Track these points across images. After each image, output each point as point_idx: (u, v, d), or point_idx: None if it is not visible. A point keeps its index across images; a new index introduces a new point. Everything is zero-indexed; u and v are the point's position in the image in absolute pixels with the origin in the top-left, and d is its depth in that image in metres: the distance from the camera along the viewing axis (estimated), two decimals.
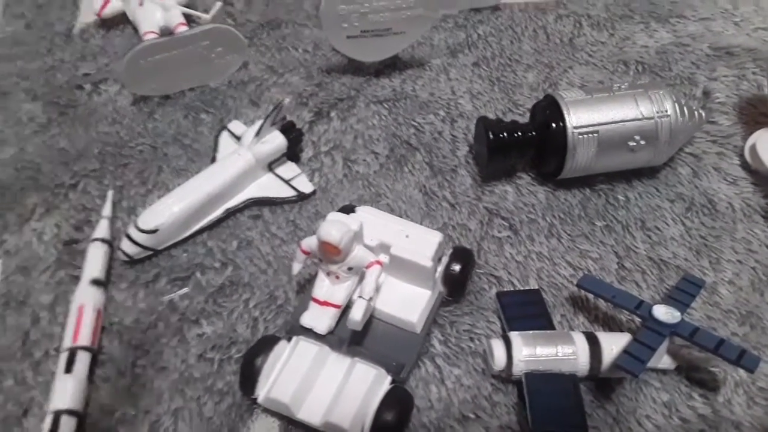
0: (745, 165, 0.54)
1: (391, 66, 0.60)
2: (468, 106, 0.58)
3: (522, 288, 0.48)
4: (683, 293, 0.44)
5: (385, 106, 0.57)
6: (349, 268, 0.42)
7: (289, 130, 0.53)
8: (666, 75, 0.59)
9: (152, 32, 0.58)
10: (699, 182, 0.53)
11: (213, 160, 0.53)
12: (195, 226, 0.49)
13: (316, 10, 0.65)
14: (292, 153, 0.54)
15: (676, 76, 0.59)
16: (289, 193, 0.52)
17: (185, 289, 0.46)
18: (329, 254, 0.41)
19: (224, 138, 0.54)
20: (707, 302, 0.47)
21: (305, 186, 0.52)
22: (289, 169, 0.53)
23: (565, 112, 0.49)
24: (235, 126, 0.54)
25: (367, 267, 0.42)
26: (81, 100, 0.57)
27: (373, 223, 0.44)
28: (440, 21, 0.64)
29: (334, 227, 0.40)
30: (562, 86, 0.59)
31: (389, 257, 0.43)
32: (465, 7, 0.64)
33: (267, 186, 0.52)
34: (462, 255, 0.46)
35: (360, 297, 0.40)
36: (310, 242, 0.43)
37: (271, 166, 0.53)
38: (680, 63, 0.60)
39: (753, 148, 0.53)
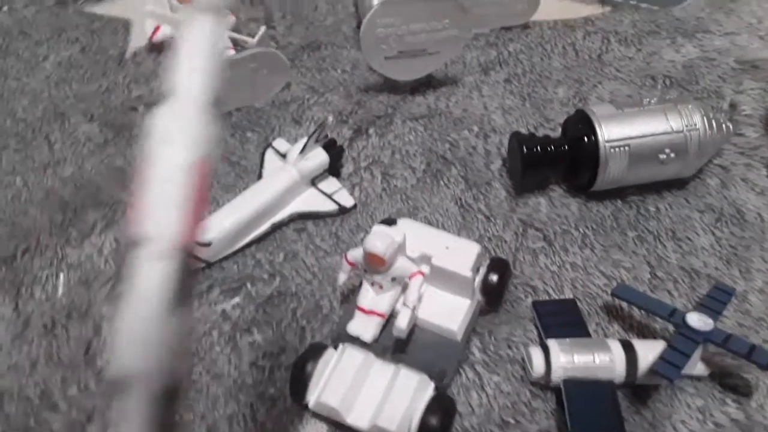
0: None
1: (426, 84, 0.62)
2: (500, 122, 0.60)
3: (557, 297, 0.50)
4: (715, 301, 0.46)
5: (421, 122, 0.60)
6: (393, 279, 0.44)
7: (330, 147, 0.56)
8: (693, 89, 0.61)
9: None
10: (728, 193, 0.55)
11: (259, 176, 0.55)
12: (244, 239, 0.52)
13: (353, 32, 0.68)
14: (334, 168, 0.56)
15: (703, 89, 0.61)
16: (331, 207, 0.55)
17: (237, 300, 0.49)
18: (374, 265, 0.43)
19: (269, 155, 0.57)
20: (738, 310, 0.48)
21: (346, 200, 0.55)
22: (330, 184, 0.56)
23: (597, 126, 0.51)
24: (279, 144, 0.57)
25: (410, 277, 0.44)
26: (135, 121, 0.61)
27: (414, 235, 0.46)
28: (472, 40, 0.66)
29: (379, 239, 0.42)
30: (592, 101, 0.61)
31: (430, 267, 0.45)
32: (496, 26, 0.66)
33: (310, 200, 0.55)
34: (499, 266, 0.48)
35: (404, 306, 0.43)
36: (355, 254, 0.45)
37: (314, 182, 0.55)
38: (707, 77, 0.62)
39: None
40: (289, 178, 0.53)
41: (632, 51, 0.64)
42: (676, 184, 0.55)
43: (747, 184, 0.55)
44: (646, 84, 0.62)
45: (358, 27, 0.68)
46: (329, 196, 0.55)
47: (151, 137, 0.26)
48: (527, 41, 0.66)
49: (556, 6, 0.69)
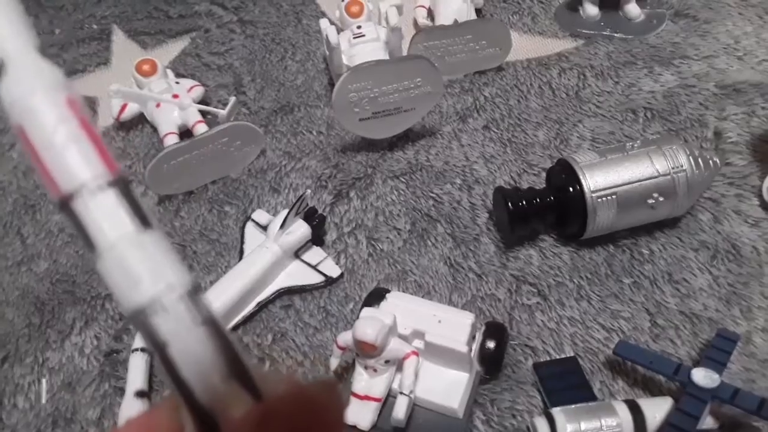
0: (764, 204, 0.54)
1: (404, 138, 0.61)
2: (483, 171, 0.59)
3: (558, 356, 0.48)
4: (719, 351, 0.44)
5: (402, 180, 0.58)
6: (386, 361, 0.43)
7: (311, 216, 0.55)
8: (675, 119, 0.60)
9: (172, 133, 0.60)
10: (721, 227, 0.53)
11: (241, 253, 0.54)
12: (230, 323, 0.50)
13: (326, 89, 0.67)
14: (317, 237, 0.55)
15: (685, 119, 0.60)
16: (317, 278, 0.53)
17: None
18: (366, 351, 0.42)
19: (249, 229, 0.55)
20: (743, 353, 0.47)
21: (332, 270, 0.54)
22: (315, 254, 0.54)
23: (581, 177, 0.50)
24: (259, 215, 0.56)
25: (404, 359, 0.42)
26: None
27: (405, 310, 0.45)
28: (447, 87, 0.65)
29: (369, 325, 0.41)
30: (573, 141, 0.60)
31: (424, 344, 0.44)
32: (470, 71, 0.65)
33: (295, 274, 0.53)
34: (495, 331, 0.46)
35: (401, 393, 0.41)
36: (345, 338, 0.44)
37: (297, 254, 0.54)
38: (688, 105, 0.61)
39: None
40: (271, 255, 0.52)
41: (610, 84, 0.63)
42: (668, 222, 0.53)
43: (740, 216, 0.54)
44: (627, 119, 0.60)
45: (330, 84, 0.66)
46: (314, 268, 0.54)
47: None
48: (502, 84, 0.65)
49: (528, 44, 0.68)
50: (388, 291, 0.48)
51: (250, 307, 0.51)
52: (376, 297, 0.47)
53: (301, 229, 0.53)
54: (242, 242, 0.55)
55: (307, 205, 0.55)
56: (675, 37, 0.67)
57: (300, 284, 0.53)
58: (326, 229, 0.56)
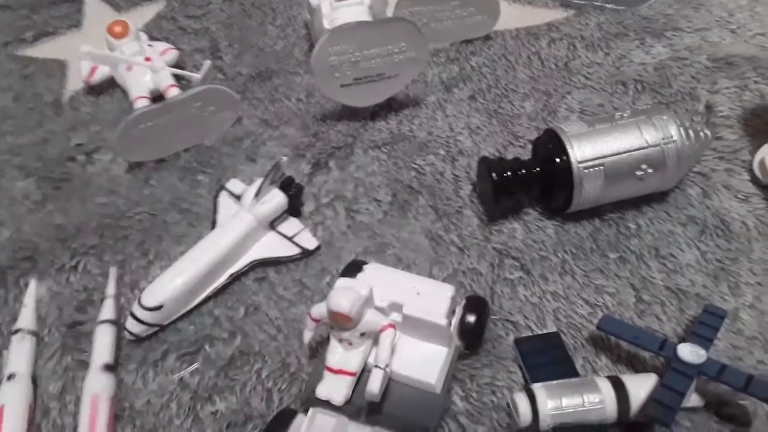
0: (755, 180, 0.53)
1: (387, 107, 0.59)
2: (468, 143, 0.57)
3: (540, 331, 0.47)
4: (706, 327, 0.43)
5: (384, 150, 0.56)
6: (362, 334, 0.41)
7: (288, 185, 0.52)
8: (666, 92, 0.58)
9: (143, 97, 0.57)
10: (710, 202, 0.52)
11: (213, 223, 0.52)
12: (200, 295, 0.48)
13: (306, 56, 0.64)
14: (293, 208, 0.53)
15: (676, 92, 0.58)
16: (293, 250, 0.51)
17: (195, 365, 0.45)
18: (341, 322, 0.40)
19: (223, 198, 0.53)
20: (730, 330, 0.45)
21: (309, 242, 0.51)
22: (291, 225, 0.52)
23: (568, 147, 0.48)
24: (234, 185, 0.54)
25: (380, 331, 0.41)
26: (75, 172, 0.56)
27: (383, 282, 0.43)
28: (433, 55, 0.63)
29: (343, 296, 0.39)
30: (561, 113, 0.58)
31: (402, 316, 0.42)
32: (457, 39, 0.63)
33: (270, 245, 0.51)
34: (476, 305, 0.44)
35: (376, 366, 0.39)
36: (320, 310, 0.42)
37: (272, 225, 0.52)
38: (680, 78, 0.59)
39: (762, 163, 0.52)
40: (245, 225, 0.49)
41: (600, 56, 0.61)
42: (656, 196, 0.52)
43: (730, 191, 0.52)
44: (617, 91, 0.59)
45: (311, 50, 0.64)
46: (290, 239, 0.52)
47: None
48: (490, 54, 0.63)
49: (517, 13, 0.66)
50: (365, 263, 0.46)
51: (222, 278, 0.49)
52: (353, 269, 0.45)
53: (276, 199, 0.51)
54: (215, 212, 0.52)
55: (284, 174, 0.52)
56: (668, 9, 0.65)
57: (275, 256, 0.51)
58: (303, 200, 0.54)
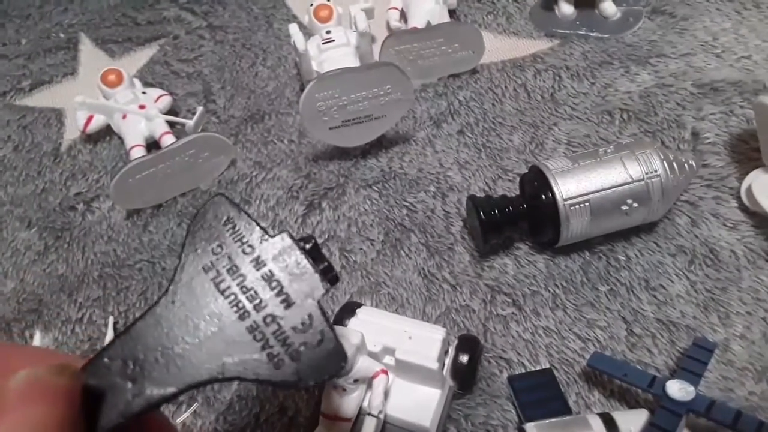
0: (743, 207, 0.53)
1: (377, 145, 0.60)
2: (457, 178, 0.58)
3: (533, 368, 0.47)
4: (695, 362, 0.43)
5: (375, 189, 0.57)
6: (355, 380, 0.42)
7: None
8: (652, 120, 0.59)
9: (138, 145, 0.58)
10: (699, 231, 0.52)
11: None
12: None
13: (297, 96, 0.65)
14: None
15: (662, 120, 0.59)
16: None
17: (195, 406, 0.46)
18: None
19: None
20: (721, 361, 0.46)
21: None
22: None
23: (553, 184, 0.48)
24: None
25: (373, 377, 0.41)
26: (75, 221, 0.58)
27: (375, 326, 0.44)
28: (421, 91, 0.64)
29: None
30: (549, 145, 0.58)
31: (395, 360, 0.43)
32: (444, 74, 0.64)
33: None
34: (468, 344, 0.45)
35: (369, 414, 0.40)
36: None
37: None
38: (665, 106, 0.60)
39: (749, 191, 0.52)
40: None
41: (585, 86, 0.62)
42: (645, 227, 0.52)
43: (718, 219, 0.53)
44: (603, 121, 0.59)
45: (302, 90, 0.65)
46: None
47: None
48: (477, 87, 0.63)
49: (503, 44, 0.67)
50: (359, 305, 0.47)
51: None
52: (347, 311, 0.46)
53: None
54: None
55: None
56: (652, 35, 0.66)
57: None
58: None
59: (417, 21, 0.66)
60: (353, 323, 0.45)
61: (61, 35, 0.74)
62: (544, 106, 0.62)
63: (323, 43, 0.61)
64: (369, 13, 0.64)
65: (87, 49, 0.72)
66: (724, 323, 0.48)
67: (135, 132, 0.59)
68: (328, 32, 0.62)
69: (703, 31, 0.65)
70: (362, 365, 0.42)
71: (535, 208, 0.50)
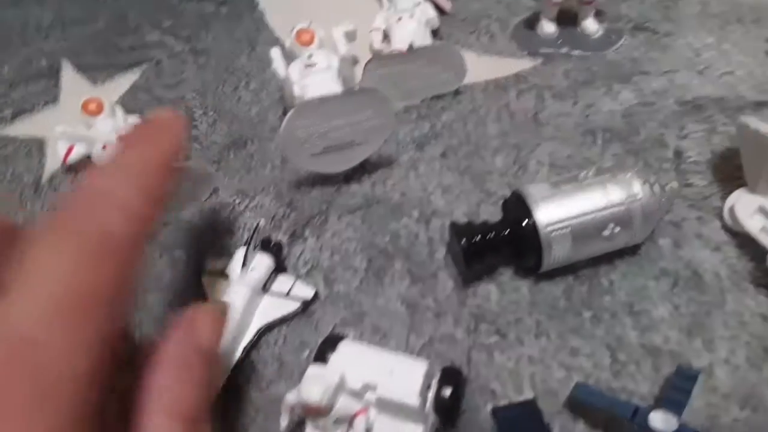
0: (726, 227, 0.53)
1: (360, 169, 0.59)
2: (440, 202, 0.57)
3: (517, 399, 0.47)
4: (679, 391, 0.43)
5: (358, 215, 0.57)
6: (336, 420, 0.41)
7: (267, 246, 0.53)
8: (635, 140, 0.59)
9: None
10: (682, 253, 0.52)
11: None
12: (224, 378, 0.48)
13: (280, 121, 0.65)
14: (279, 265, 0.53)
15: (645, 139, 0.59)
16: (292, 306, 0.52)
17: None
18: (312, 413, 0.40)
19: (207, 281, 0.53)
20: (706, 388, 0.45)
21: (305, 292, 0.52)
22: (282, 282, 0.53)
23: (534, 210, 0.48)
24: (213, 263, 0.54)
25: (354, 416, 0.41)
26: None
27: (356, 361, 0.43)
28: (404, 113, 0.63)
29: (314, 387, 0.40)
30: (532, 167, 0.58)
31: (376, 397, 0.43)
32: (426, 96, 0.64)
33: (270, 308, 0.52)
34: (451, 377, 0.45)
35: None
36: (292, 398, 0.42)
37: (265, 288, 0.52)
38: (648, 124, 0.60)
39: (732, 211, 0.52)
40: (242, 298, 0.50)
41: (568, 105, 0.62)
42: (628, 249, 0.52)
43: (701, 240, 0.53)
44: (586, 141, 0.59)
45: (285, 114, 0.65)
46: (287, 296, 0.52)
47: None
48: (460, 108, 0.63)
49: (486, 64, 0.67)
50: (341, 338, 0.46)
51: (238, 354, 0.49)
52: (329, 345, 0.46)
53: (264, 262, 0.52)
54: (206, 297, 0.53)
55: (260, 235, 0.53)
56: (634, 52, 0.65)
57: (278, 317, 0.51)
58: (285, 255, 0.55)
59: (400, 42, 0.65)
60: (334, 359, 0.44)
61: (43, 62, 0.73)
62: (527, 127, 0.61)
63: (305, 68, 0.61)
64: (351, 35, 0.64)
65: (69, 76, 0.72)
66: (708, 348, 0.47)
67: None
68: (309, 56, 0.62)
69: (685, 47, 0.65)
70: (342, 404, 0.41)
71: (517, 234, 0.50)
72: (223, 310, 0.40)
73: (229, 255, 0.55)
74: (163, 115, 0.40)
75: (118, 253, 0.32)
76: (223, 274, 0.53)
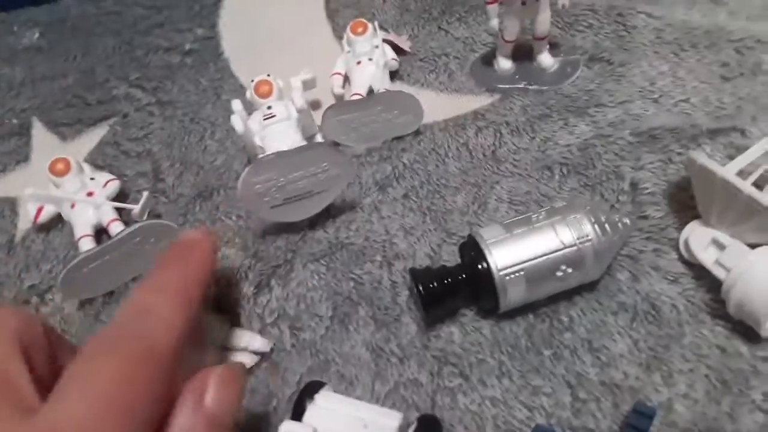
0: (683, 259, 0.54)
1: (325, 214, 0.60)
2: (403, 245, 0.58)
3: None
4: (636, 430, 0.44)
5: (323, 262, 0.58)
6: None
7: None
8: (591, 173, 0.59)
9: (86, 235, 0.59)
10: (640, 286, 0.53)
11: None
12: None
13: (245, 169, 0.66)
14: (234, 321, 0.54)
15: (601, 172, 0.59)
16: (251, 359, 0.53)
17: None
18: None
19: None
20: (665, 423, 0.46)
21: (262, 345, 0.53)
22: (238, 337, 0.54)
23: (487, 255, 0.49)
24: None
25: None
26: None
27: (331, 415, 0.44)
28: (366, 156, 0.64)
29: None
30: (491, 204, 0.59)
31: None
32: (388, 138, 0.65)
33: None
34: (428, 426, 0.45)
35: None
36: None
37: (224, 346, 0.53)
38: (604, 157, 0.60)
39: (687, 244, 0.53)
40: None
41: (526, 141, 0.63)
42: (587, 285, 0.53)
43: (659, 272, 0.53)
44: (543, 176, 0.60)
45: (250, 162, 0.66)
46: (244, 350, 0.53)
47: None
48: (420, 149, 0.64)
49: (445, 102, 0.68)
50: (322, 386, 0.46)
51: None
52: (309, 393, 0.45)
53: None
54: None
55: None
56: (590, 84, 0.66)
57: None
58: (239, 310, 0.56)
59: (359, 86, 0.67)
60: (310, 411, 0.45)
61: (14, 121, 0.75)
62: (486, 164, 0.62)
63: (264, 119, 0.62)
64: (310, 83, 0.66)
65: (39, 134, 0.73)
66: (666, 383, 0.48)
67: (83, 221, 0.60)
68: (269, 108, 0.63)
69: (640, 76, 0.66)
70: None
71: (473, 278, 0.51)
72: (238, 371, 0.43)
73: None
74: (193, 236, 0.47)
75: (159, 365, 0.37)
76: None
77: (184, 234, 0.47)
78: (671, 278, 0.53)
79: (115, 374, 0.35)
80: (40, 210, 0.62)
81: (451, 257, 0.57)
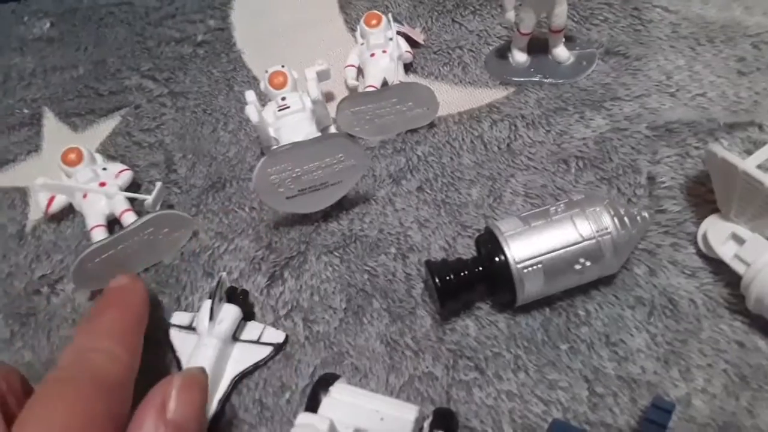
0: (701, 253, 0.53)
1: (338, 206, 0.60)
2: (417, 237, 0.58)
3: None
4: (654, 425, 0.43)
5: (336, 254, 0.57)
6: None
7: (233, 295, 0.54)
8: (607, 167, 0.59)
9: (99, 225, 0.58)
10: (657, 281, 0.52)
11: (177, 362, 0.52)
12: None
13: (258, 161, 0.65)
14: (246, 313, 0.54)
15: (617, 166, 0.59)
16: (264, 351, 0.52)
17: None
18: None
19: (175, 334, 0.53)
20: (683, 418, 0.46)
21: (275, 336, 0.53)
22: (252, 329, 0.53)
23: (505, 247, 0.49)
24: (179, 318, 0.54)
25: None
26: (40, 305, 0.58)
27: (346, 407, 0.44)
28: (379, 148, 0.64)
29: None
30: (507, 197, 0.59)
31: None
32: (402, 130, 0.64)
33: (243, 357, 0.52)
34: (443, 420, 0.45)
35: None
36: None
37: (235, 337, 0.53)
38: (620, 151, 0.60)
39: (705, 238, 0.52)
40: (213, 350, 0.50)
41: (541, 134, 0.62)
42: (604, 279, 0.52)
43: (676, 266, 0.53)
44: (559, 170, 0.59)
45: (263, 154, 0.65)
46: (258, 342, 0.53)
47: None
48: (435, 141, 0.64)
49: (459, 95, 0.67)
50: (336, 378, 0.46)
51: (213, 407, 0.49)
52: (323, 385, 0.45)
53: (230, 313, 0.52)
54: (174, 351, 0.53)
55: (225, 287, 0.54)
56: (606, 78, 0.66)
57: (251, 364, 0.52)
58: (252, 301, 0.55)
59: (373, 79, 0.66)
60: (325, 403, 0.44)
61: (25, 111, 0.74)
62: (501, 157, 0.62)
63: (279, 110, 0.62)
64: (324, 74, 0.65)
65: (50, 124, 0.73)
66: (684, 377, 0.48)
67: (95, 211, 0.59)
68: (283, 99, 0.62)
69: (657, 71, 0.66)
70: None
71: (490, 271, 0.50)
72: (198, 376, 0.44)
73: (193, 308, 0.56)
74: (123, 281, 0.51)
75: (109, 393, 0.41)
76: (190, 328, 0.54)
77: (112, 281, 0.50)
78: (689, 272, 0.52)
79: (67, 411, 0.38)
80: (51, 200, 0.61)
81: (466, 250, 0.56)
